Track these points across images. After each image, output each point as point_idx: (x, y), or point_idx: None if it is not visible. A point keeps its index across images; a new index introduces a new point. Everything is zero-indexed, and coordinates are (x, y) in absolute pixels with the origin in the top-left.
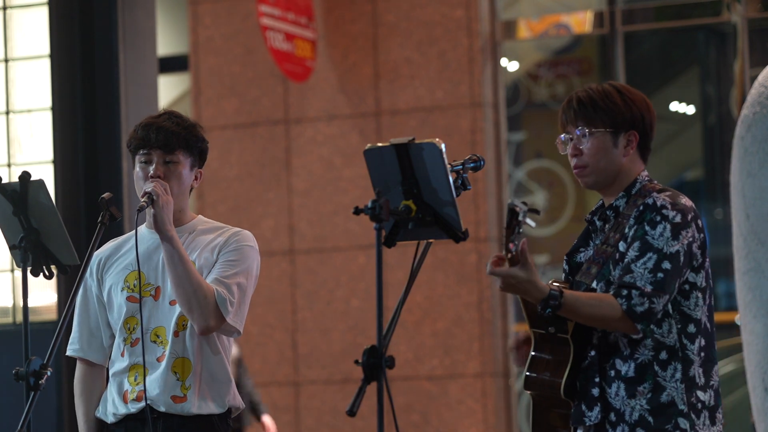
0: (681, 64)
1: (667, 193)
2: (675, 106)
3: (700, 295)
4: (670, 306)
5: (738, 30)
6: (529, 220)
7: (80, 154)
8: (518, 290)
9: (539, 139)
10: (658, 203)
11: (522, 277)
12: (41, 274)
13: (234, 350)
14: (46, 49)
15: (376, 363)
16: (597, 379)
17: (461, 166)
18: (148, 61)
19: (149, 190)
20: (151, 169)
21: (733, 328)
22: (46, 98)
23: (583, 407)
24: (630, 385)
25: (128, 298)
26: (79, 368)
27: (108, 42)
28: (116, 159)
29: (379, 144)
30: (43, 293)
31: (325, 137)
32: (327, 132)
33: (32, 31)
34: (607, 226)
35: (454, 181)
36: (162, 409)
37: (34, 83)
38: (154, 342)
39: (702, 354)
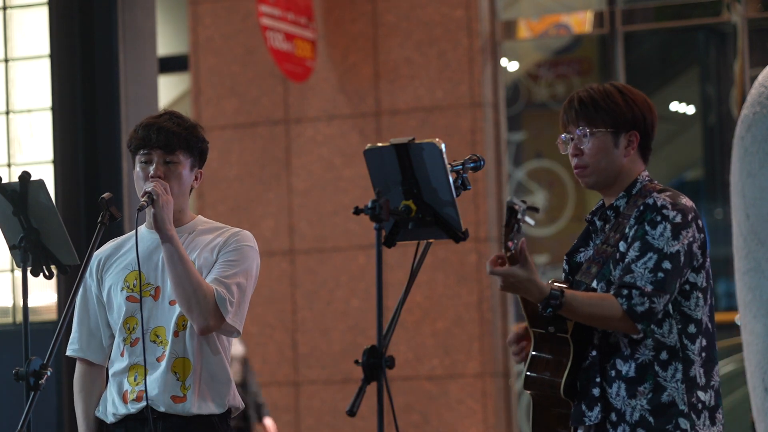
0: (681, 64)
1: (668, 194)
2: (675, 106)
3: (700, 295)
4: (670, 306)
5: (738, 30)
6: (528, 218)
7: (80, 154)
8: (518, 289)
9: (539, 139)
10: (659, 203)
11: (522, 276)
12: (41, 274)
13: (240, 348)
14: (46, 49)
15: (376, 363)
16: (598, 379)
17: (461, 166)
18: (148, 61)
19: (149, 189)
20: (152, 169)
21: (733, 328)
22: (46, 98)
23: (584, 407)
24: (631, 385)
25: (128, 298)
26: (78, 368)
27: (108, 42)
28: (116, 159)
29: (379, 144)
30: (43, 293)
31: (325, 137)
32: (327, 132)
33: (32, 31)
34: (607, 226)
35: (454, 181)
36: (162, 409)
37: (34, 83)
38: (154, 342)
39: (703, 354)
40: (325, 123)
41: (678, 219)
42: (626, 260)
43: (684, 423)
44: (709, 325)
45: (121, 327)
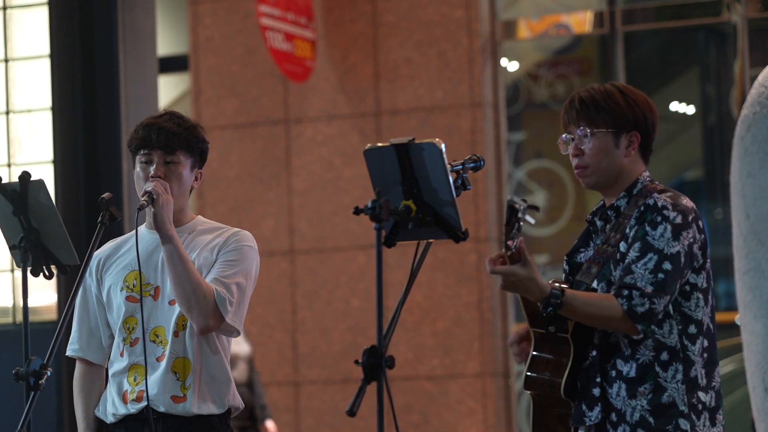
0: (681, 64)
1: (668, 194)
2: (675, 106)
3: (700, 296)
4: (670, 307)
5: (738, 30)
6: (528, 217)
7: (80, 154)
8: (519, 288)
9: (539, 139)
10: (659, 204)
11: (523, 275)
12: (41, 274)
13: (246, 348)
14: (46, 49)
15: (376, 363)
16: (598, 379)
17: (461, 166)
18: (148, 61)
19: (149, 189)
20: (152, 169)
21: (733, 328)
22: (46, 98)
23: (584, 407)
24: (631, 386)
25: (127, 298)
26: (78, 368)
27: (108, 42)
28: (116, 159)
29: (379, 144)
30: (43, 293)
31: (325, 137)
32: (327, 132)
33: (32, 31)
34: (607, 226)
35: (454, 181)
36: (162, 409)
37: (34, 83)
38: (154, 342)
39: (705, 355)
40: (325, 123)
41: (678, 220)
42: (626, 261)
43: (684, 424)
44: (711, 326)
45: (120, 327)
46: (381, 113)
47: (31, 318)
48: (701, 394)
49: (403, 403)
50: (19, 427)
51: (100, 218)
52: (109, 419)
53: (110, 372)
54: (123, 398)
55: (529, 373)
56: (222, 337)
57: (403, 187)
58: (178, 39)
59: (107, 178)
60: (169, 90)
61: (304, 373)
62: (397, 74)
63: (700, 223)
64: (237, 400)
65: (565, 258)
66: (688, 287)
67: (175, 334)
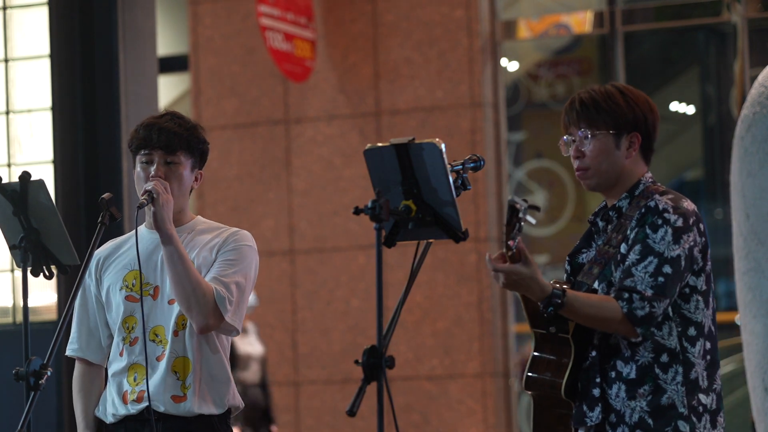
0: (681, 64)
1: (670, 196)
2: (675, 106)
3: (700, 298)
4: (670, 309)
5: (738, 30)
6: (529, 217)
7: (80, 154)
8: (520, 287)
9: (539, 139)
10: (660, 206)
11: (525, 274)
12: (41, 274)
13: (259, 348)
14: (46, 49)
15: (376, 363)
16: (598, 380)
17: (461, 166)
18: (148, 61)
19: (149, 188)
20: (152, 169)
21: (733, 328)
22: (46, 98)
23: (585, 408)
24: (631, 387)
25: (127, 298)
26: (77, 368)
27: (108, 42)
28: (116, 159)
29: (379, 144)
30: (43, 293)
31: (325, 137)
32: (327, 132)
33: (32, 31)
34: (609, 226)
35: (454, 181)
36: (162, 409)
37: (34, 83)
38: (153, 341)
39: (708, 357)
40: (325, 123)
41: (679, 223)
42: (626, 263)
43: (683, 426)
44: (712, 328)
45: (120, 326)
46: (381, 113)
47: (31, 318)
48: (702, 396)
49: (403, 403)
50: (19, 427)
51: (100, 218)
52: (109, 419)
53: (110, 372)
54: (123, 398)
55: (529, 374)
56: (222, 337)
57: (403, 187)
58: (178, 39)
59: (107, 178)
60: (169, 90)
61: (304, 373)
62: (397, 74)
63: (701, 225)
64: (237, 400)
65: (567, 258)
66: (687, 290)
67: (175, 333)
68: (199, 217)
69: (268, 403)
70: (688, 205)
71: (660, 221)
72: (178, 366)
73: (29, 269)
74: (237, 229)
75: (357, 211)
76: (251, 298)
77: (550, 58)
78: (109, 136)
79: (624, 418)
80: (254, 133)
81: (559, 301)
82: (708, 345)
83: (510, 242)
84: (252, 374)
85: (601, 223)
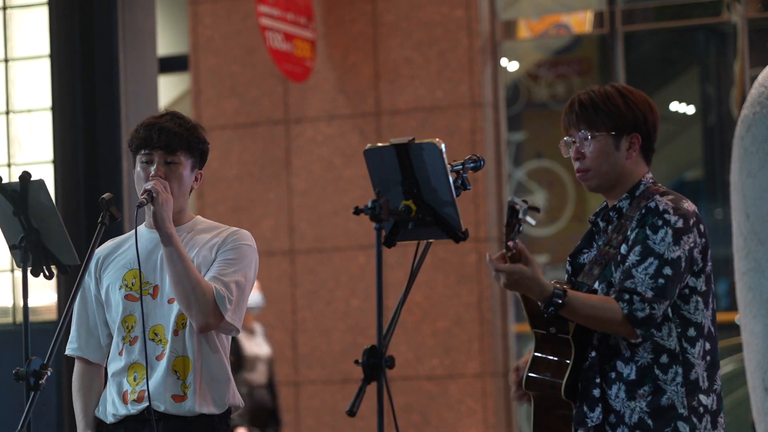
0: (681, 64)
1: (670, 197)
2: (675, 106)
3: (699, 299)
4: (669, 310)
5: (738, 30)
6: (529, 218)
7: (80, 154)
8: (522, 287)
9: (539, 139)
10: (660, 207)
11: (527, 274)
12: (41, 274)
13: (266, 349)
14: (46, 49)
15: (376, 363)
16: (597, 380)
17: (461, 166)
18: (148, 61)
19: (149, 187)
20: (153, 169)
21: (733, 328)
22: (46, 98)
23: (585, 408)
24: (630, 388)
25: (126, 297)
26: (77, 367)
27: (108, 42)
28: (116, 159)
29: (379, 144)
30: (43, 293)
31: (325, 137)
32: (327, 132)
33: (32, 31)
34: (610, 227)
35: (454, 181)
36: (162, 408)
37: (34, 83)
38: (152, 340)
39: (708, 358)
40: (325, 123)
41: (679, 224)
42: (627, 264)
43: (683, 426)
44: (712, 329)
45: (119, 326)
46: (381, 113)
47: (31, 318)
48: (702, 397)
49: (403, 403)
50: (19, 427)
51: (100, 218)
52: (109, 419)
53: (109, 372)
54: (123, 398)
55: (530, 374)
56: (221, 336)
57: (403, 187)
58: (178, 39)
59: (107, 178)
60: (169, 90)
61: (304, 373)
62: (397, 74)
63: (702, 226)
64: (237, 399)
65: (569, 259)
66: (687, 291)
67: (175, 332)
68: (199, 216)
69: (275, 405)
70: (689, 205)
71: (660, 222)
72: (178, 365)
73: (29, 269)
74: (236, 228)
75: (357, 211)
76: (258, 299)
77: (550, 58)
78: (109, 136)
79: (624, 419)
80: (254, 133)
81: (560, 301)
82: (708, 346)
83: (510, 243)
84: (259, 375)
85: (601, 224)
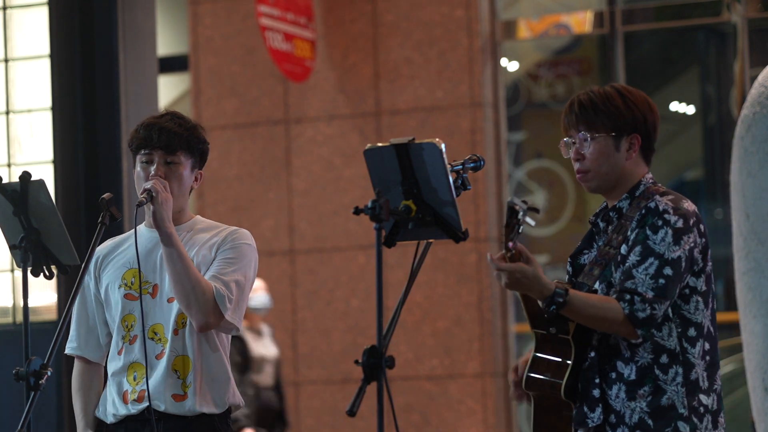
0: (681, 64)
1: (670, 197)
2: (675, 106)
3: (700, 299)
4: (669, 310)
5: (738, 30)
6: (528, 219)
7: (80, 154)
8: (523, 286)
9: (539, 139)
10: (660, 207)
11: (528, 273)
12: (41, 274)
13: (273, 350)
14: (46, 49)
15: (376, 363)
16: (597, 380)
17: (461, 166)
18: (148, 61)
19: (149, 187)
20: (153, 169)
21: (733, 328)
22: (46, 98)
23: (586, 409)
24: (630, 388)
25: (125, 296)
26: (76, 366)
27: (108, 42)
28: (116, 159)
29: (379, 144)
30: (43, 293)
31: (325, 137)
32: (327, 132)
33: (32, 31)
34: (610, 227)
35: (454, 181)
36: (162, 408)
37: (34, 83)
38: (152, 339)
39: (707, 358)
40: (325, 123)
41: (679, 224)
42: (627, 264)
43: (683, 426)
44: (711, 329)
45: (119, 325)
46: (381, 113)
47: (31, 318)
48: (703, 397)
49: (403, 403)
50: (19, 427)
51: (100, 218)
52: (109, 419)
53: (109, 371)
54: (123, 398)
55: (530, 374)
56: (221, 335)
57: (403, 187)
58: (178, 39)
59: (107, 178)
60: (169, 90)
61: (304, 373)
62: (397, 74)
63: (702, 226)
64: (237, 398)
65: (569, 259)
66: (687, 290)
67: (175, 332)
68: (198, 216)
69: (282, 406)
70: (689, 205)
71: (660, 222)
72: (178, 365)
73: (29, 269)
74: (236, 227)
75: (357, 211)
76: (265, 300)
77: (550, 58)
78: (109, 136)
79: (624, 419)
80: (254, 133)
81: (562, 300)
82: (708, 345)
83: (509, 244)
84: (266, 377)
85: (601, 224)
